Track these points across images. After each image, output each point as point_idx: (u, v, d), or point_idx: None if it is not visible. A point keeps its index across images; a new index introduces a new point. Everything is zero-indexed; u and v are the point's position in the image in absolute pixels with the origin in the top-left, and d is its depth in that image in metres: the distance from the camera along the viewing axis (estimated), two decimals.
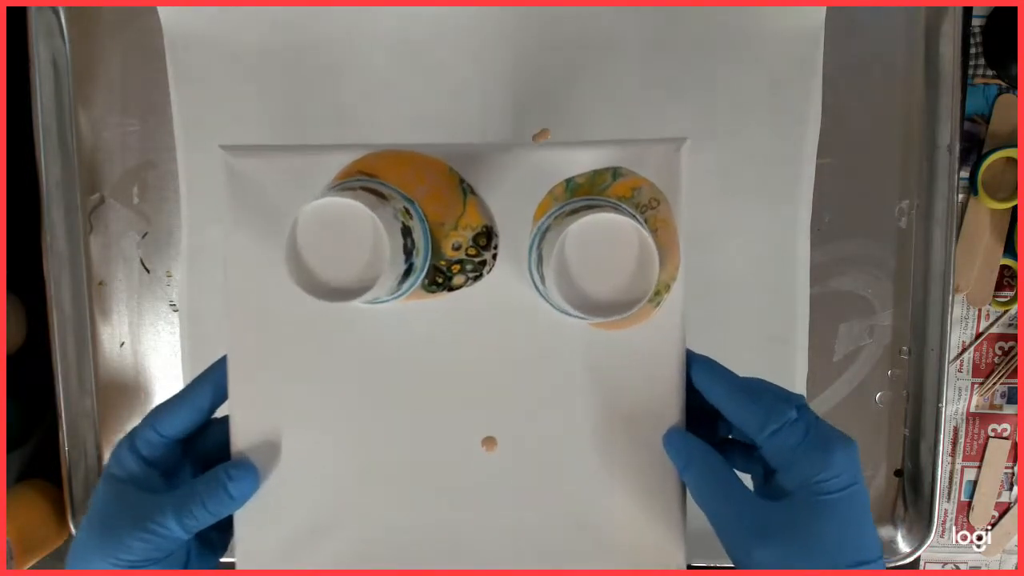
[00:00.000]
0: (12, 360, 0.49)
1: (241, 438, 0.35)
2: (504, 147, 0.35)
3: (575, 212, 0.32)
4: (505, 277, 0.35)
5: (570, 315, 0.32)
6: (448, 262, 0.35)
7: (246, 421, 0.35)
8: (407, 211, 0.32)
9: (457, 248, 0.35)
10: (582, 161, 0.34)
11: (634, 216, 0.31)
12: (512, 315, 0.35)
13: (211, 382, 0.35)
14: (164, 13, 0.47)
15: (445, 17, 0.47)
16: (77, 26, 0.48)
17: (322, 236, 0.29)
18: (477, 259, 0.35)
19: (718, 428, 0.36)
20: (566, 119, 0.48)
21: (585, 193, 0.34)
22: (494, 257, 0.35)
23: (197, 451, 0.36)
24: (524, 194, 0.34)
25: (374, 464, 0.36)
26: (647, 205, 0.34)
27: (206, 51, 0.47)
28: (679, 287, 0.34)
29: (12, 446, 0.50)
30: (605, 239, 0.30)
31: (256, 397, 0.35)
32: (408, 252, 0.31)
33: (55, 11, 0.47)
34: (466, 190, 0.35)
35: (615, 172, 0.34)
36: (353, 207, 0.29)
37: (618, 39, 0.47)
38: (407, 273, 0.32)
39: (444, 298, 0.35)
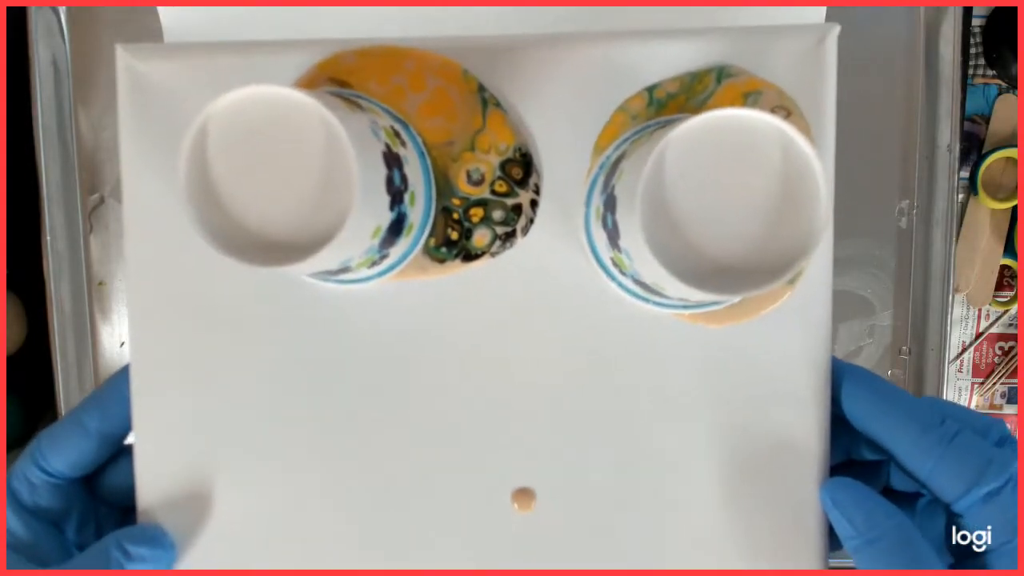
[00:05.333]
0: (12, 360, 0.49)
1: (149, 487, 0.24)
2: (547, 40, 0.23)
3: (668, 123, 0.20)
4: (551, 242, 0.23)
5: (653, 300, 0.21)
6: (465, 201, 0.22)
7: (156, 460, 0.24)
8: (395, 133, 0.21)
9: (477, 182, 0.22)
10: (667, 59, 0.23)
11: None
12: (561, 304, 0.23)
13: (101, 398, 0.25)
14: (164, 13, 0.47)
15: (446, 18, 0.47)
16: (77, 26, 0.48)
17: (246, 156, 0.17)
18: (509, 200, 0.22)
19: (877, 474, 0.25)
20: None
21: (677, 109, 0.22)
22: (533, 205, 0.23)
23: (108, 493, 0.25)
24: (580, 112, 0.23)
25: (350, 527, 0.24)
26: None
27: None
28: (824, 255, 0.23)
29: (12, 446, 0.50)
30: (729, 156, 0.18)
31: (171, 423, 0.24)
32: (396, 193, 0.20)
33: (55, 11, 0.47)
34: (487, 100, 0.23)
35: (721, 73, 0.22)
36: (296, 103, 0.17)
37: None
38: (395, 230, 0.20)
39: (457, 273, 0.23)
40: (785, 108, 0.23)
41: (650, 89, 0.22)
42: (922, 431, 0.22)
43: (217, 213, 0.17)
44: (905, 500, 0.25)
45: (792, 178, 0.18)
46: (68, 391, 0.48)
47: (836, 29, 0.23)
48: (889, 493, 0.25)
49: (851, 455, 0.25)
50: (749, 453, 0.23)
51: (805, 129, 0.23)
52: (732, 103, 0.22)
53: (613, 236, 0.20)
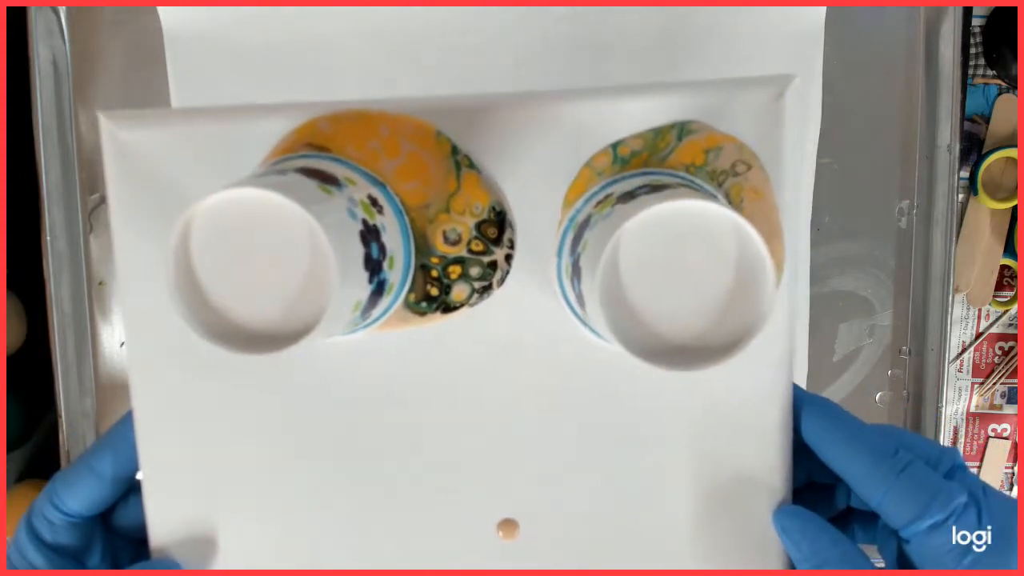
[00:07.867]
0: (12, 360, 0.49)
1: (160, 524, 0.26)
2: (515, 99, 0.24)
3: (629, 195, 0.21)
4: (525, 290, 0.25)
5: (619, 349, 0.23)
6: (443, 260, 0.24)
7: (164, 499, 0.26)
8: (372, 202, 0.22)
9: (454, 242, 0.24)
10: (634, 115, 0.23)
11: (727, 203, 0.21)
12: (537, 347, 0.25)
13: (110, 443, 0.26)
14: (164, 13, 0.47)
15: (446, 18, 0.47)
16: (77, 26, 0.48)
17: (229, 252, 0.19)
18: (486, 257, 0.24)
19: (835, 497, 0.26)
20: None
21: (641, 164, 0.23)
22: (508, 259, 0.24)
23: (122, 528, 0.27)
24: (550, 168, 0.24)
25: (346, 556, 0.26)
26: (729, 171, 0.23)
27: (206, 51, 0.47)
28: (782, 295, 0.24)
29: (12, 446, 0.50)
30: (683, 243, 0.19)
31: (177, 463, 0.26)
32: (375, 265, 0.21)
33: (55, 11, 0.47)
34: (460, 163, 0.24)
35: (682, 129, 0.23)
36: (274, 204, 0.18)
37: (618, 40, 0.47)
38: (376, 294, 0.22)
39: (437, 323, 0.24)
40: (745, 162, 0.24)
41: (615, 146, 0.24)
42: (874, 461, 0.23)
43: (204, 306, 0.19)
44: (867, 519, 0.26)
45: (743, 265, 0.19)
46: (68, 391, 0.48)
47: (795, 80, 0.23)
48: (851, 513, 0.27)
49: (812, 478, 0.26)
50: (716, 481, 0.25)
51: (764, 180, 0.24)
52: (693, 159, 0.23)
53: (580, 301, 0.22)
